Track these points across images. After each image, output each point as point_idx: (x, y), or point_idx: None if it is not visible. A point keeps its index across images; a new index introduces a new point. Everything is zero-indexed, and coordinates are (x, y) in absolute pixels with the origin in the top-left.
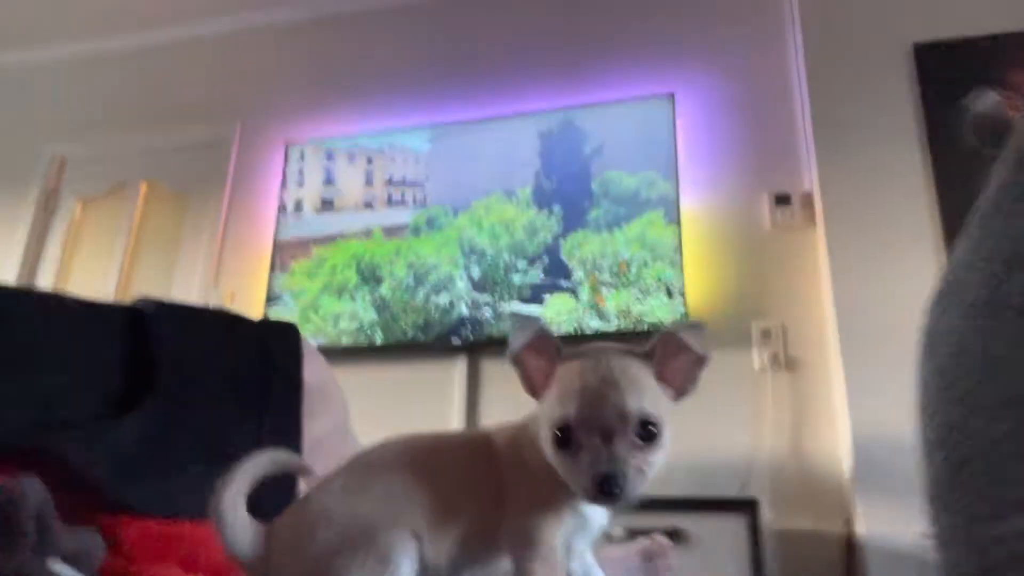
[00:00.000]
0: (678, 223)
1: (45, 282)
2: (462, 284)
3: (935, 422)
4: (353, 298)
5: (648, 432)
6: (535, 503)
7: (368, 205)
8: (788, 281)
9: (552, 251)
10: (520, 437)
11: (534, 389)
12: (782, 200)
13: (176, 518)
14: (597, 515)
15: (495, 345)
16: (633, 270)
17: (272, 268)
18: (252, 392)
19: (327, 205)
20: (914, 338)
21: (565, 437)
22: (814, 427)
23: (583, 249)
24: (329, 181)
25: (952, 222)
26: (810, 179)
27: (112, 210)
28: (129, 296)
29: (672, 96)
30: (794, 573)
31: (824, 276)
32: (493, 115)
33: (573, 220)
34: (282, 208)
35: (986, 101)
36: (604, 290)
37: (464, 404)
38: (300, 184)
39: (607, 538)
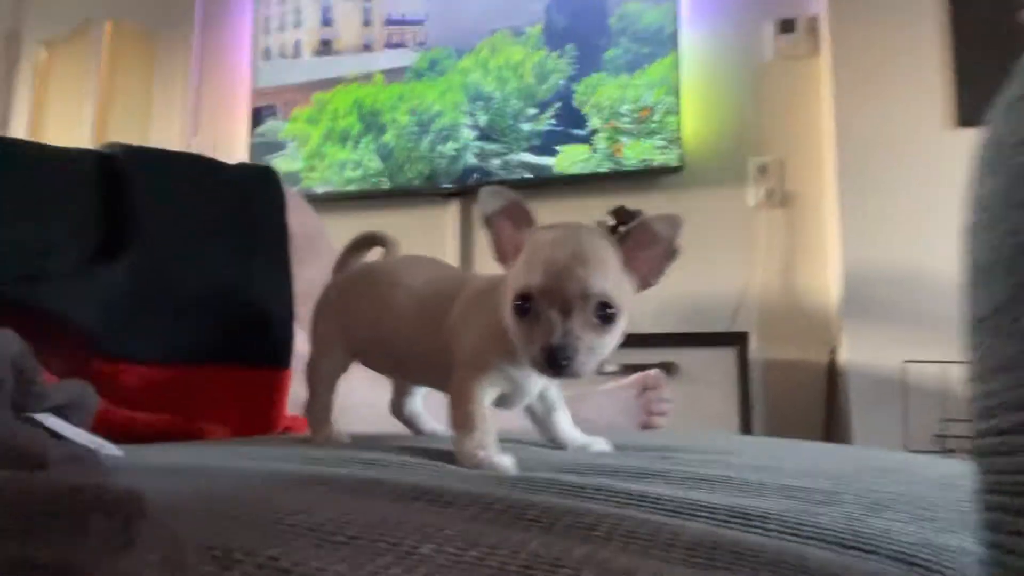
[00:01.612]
0: (676, 54)
1: (17, 134)
2: (468, 132)
3: (1004, 243)
4: (357, 145)
5: (606, 314)
6: (474, 359)
7: (367, 47)
8: (789, 114)
9: (565, 96)
10: (489, 293)
11: (503, 255)
12: (786, 27)
13: (174, 363)
14: (531, 383)
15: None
16: (657, 117)
17: (258, 116)
18: (236, 237)
19: (325, 47)
20: (917, 174)
21: (525, 305)
22: (806, 261)
23: (599, 94)
24: (327, 22)
25: (963, 45)
26: (816, 2)
27: (79, 54)
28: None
29: None
30: (779, 400)
31: (825, 108)
32: None
33: (588, 61)
34: (263, 51)
35: None
36: (624, 139)
37: (458, 249)
38: (297, 25)
39: (600, 373)
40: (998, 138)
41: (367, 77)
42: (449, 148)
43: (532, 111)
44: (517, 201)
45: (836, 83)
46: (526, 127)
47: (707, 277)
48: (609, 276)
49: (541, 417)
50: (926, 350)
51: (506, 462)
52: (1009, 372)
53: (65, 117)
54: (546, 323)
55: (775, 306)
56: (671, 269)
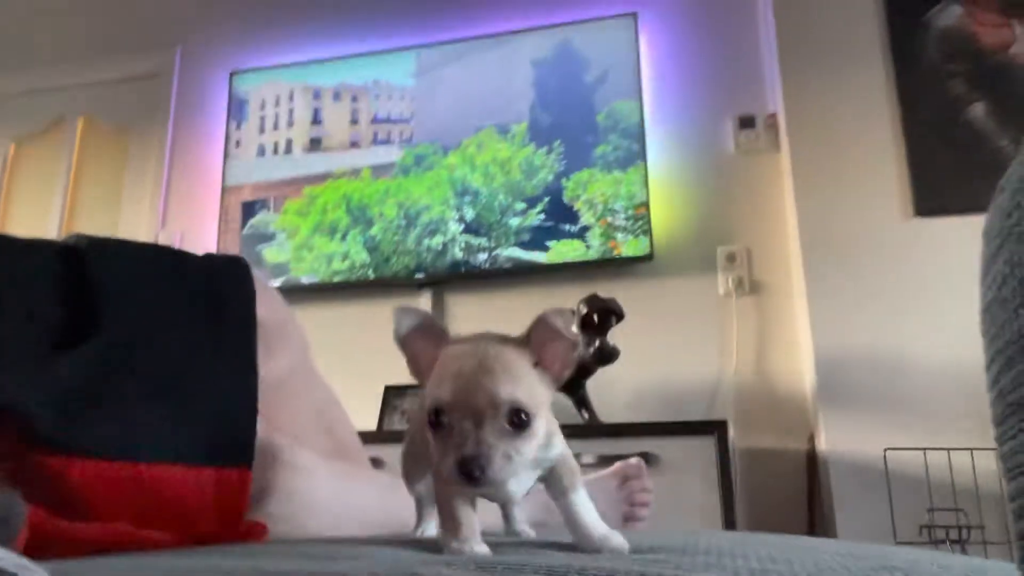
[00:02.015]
0: (643, 150)
1: None
2: (455, 226)
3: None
4: (344, 238)
5: (520, 420)
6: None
7: (355, 144)
8: (753, 205)
9: (554, 192)
10: None
11: (419, 372)
12: (746, 123)
13: (129, 459)
14: (506, 485)
15: (459, 279)
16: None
17: (250, 209)
18: (202, 329)
19: (315, 144)
20: (880, 261)
21: (439, 420)
22: (779, 348)
23: (591, 189)
24: (317, 121)
25: (916, 140)
26: (774, 100)
27: (49, 150)
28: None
29: (635, 15)
30: (761, 489)
31: (788, 199)
32: (475, 34)
33: (577, 158)
34: (235, 142)
35: (950, 16)
36: (619, 235)
37: None
38: (290, 124)
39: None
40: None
41: (355, 172)
42: (436, 242)
43: (520, 206)
44: (430, 319)
45: (796, 176)
46: (514, 222)
47: (682, 364)
48: (518, 382)
49: (558, 507)
50: (906, 437)
51: (483, 550)
52: None
53: (32, 212)
54: (459, 435)
55: (751, 394)
56: (646, 357)
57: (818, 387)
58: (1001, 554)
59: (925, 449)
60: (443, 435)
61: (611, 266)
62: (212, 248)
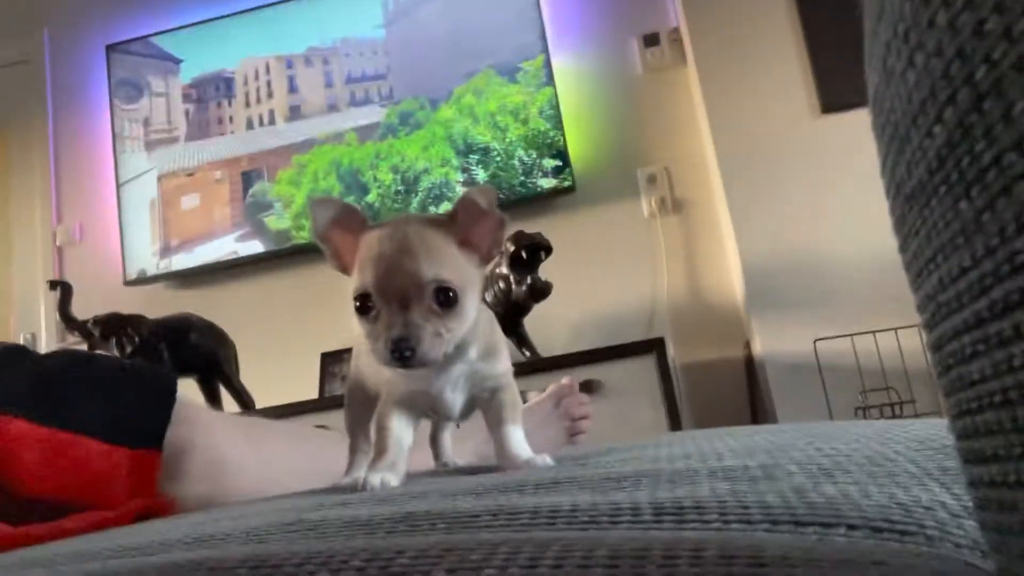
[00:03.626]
0: (552, 81)
1: None
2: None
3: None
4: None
5: (447, 299)
6: (386, 386)
7: (333, 108)
8: (667, 123)
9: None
10: None
11: (343, 265)
12: (651, 41)
13: (61, 428)
14: (444, 398)
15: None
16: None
17: (247, 179)
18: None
19: (295, 112)
20: (793, 162)
21: (364, 305)
22: (707, 263)
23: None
24: (293, 90)
25: (815, 38)
26: (675, 14)
27: None
28: None
29: None
30: (703, 400)
31: (700, 113)
32: None
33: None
34: (245, 121)
35: None
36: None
37: None
38: (270, 96)
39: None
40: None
41: (338, 137)
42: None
43: (551, 163)
44: (348, 207)
45: (705, 89)
46: (544, 183)
47: (616, 290)
48: (443, 261)
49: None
50: (834, 328)
51: (380, 481)
52: (949, 255)
53: None
54: (386, 319)
55: (686, 310)
56: (580, 288)
57: (747, 294)
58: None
59: (852, 335)
60: (371, 320)
61: (533, 201)
62: (115, 236)
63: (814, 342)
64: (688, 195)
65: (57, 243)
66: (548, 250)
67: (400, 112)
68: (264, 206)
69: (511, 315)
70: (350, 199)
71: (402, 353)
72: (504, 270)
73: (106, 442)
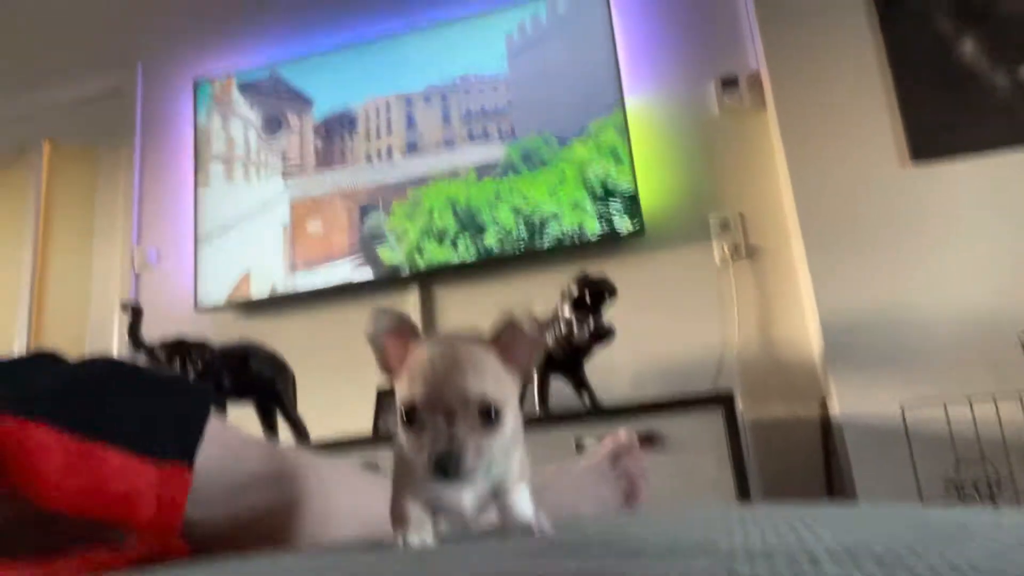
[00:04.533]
0: (624, 121)
1: None
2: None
3: None
4: (455, 246)
5: (489, 414)
6: (398, 476)
7: (449, 144)
8: (743, 168)
9: None
10: None
11: (390, 370)
12: (729, 83)
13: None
14: (452, 499)
15: (446, 272)
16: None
17: (364, 212)
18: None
19: (412, 148)
20: (879, 212)
21: (411, 417)
22: (781, 313)
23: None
24: (411, 125)
25: (906, 84)
26: (756, 57)
27: (15, 179)
28: (49, 272)
29: None
30: (774, 460)
31: (779, 159)
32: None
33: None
34: (211, 153)
35: None
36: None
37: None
38: (390, 132)
39: (579, 451)
40: None
41: (455, 173)
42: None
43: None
44: (405, 320)
45: (784, 134)
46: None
47: (683, 338)
48: (487, 378)
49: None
50: (923, 391)
51: (427, 541)
52: None
53: (5, 236)
54: (432, 431)
55: (757, 362)
56: (646, 334)
57: (825, 349)
58: None
59: (945, 401)
60: (416, 432)
61: (606, 244)
62: (190, 259)
63: (901, 407)
64: (762, 243)
65: (135, 268)
66: (612, 293)
67: (523, 148)
68: (379, 237)
69: (571, 358)
70: (465, 236)
71: (446, 467)
72: (566, 313)
73: (133, 453)
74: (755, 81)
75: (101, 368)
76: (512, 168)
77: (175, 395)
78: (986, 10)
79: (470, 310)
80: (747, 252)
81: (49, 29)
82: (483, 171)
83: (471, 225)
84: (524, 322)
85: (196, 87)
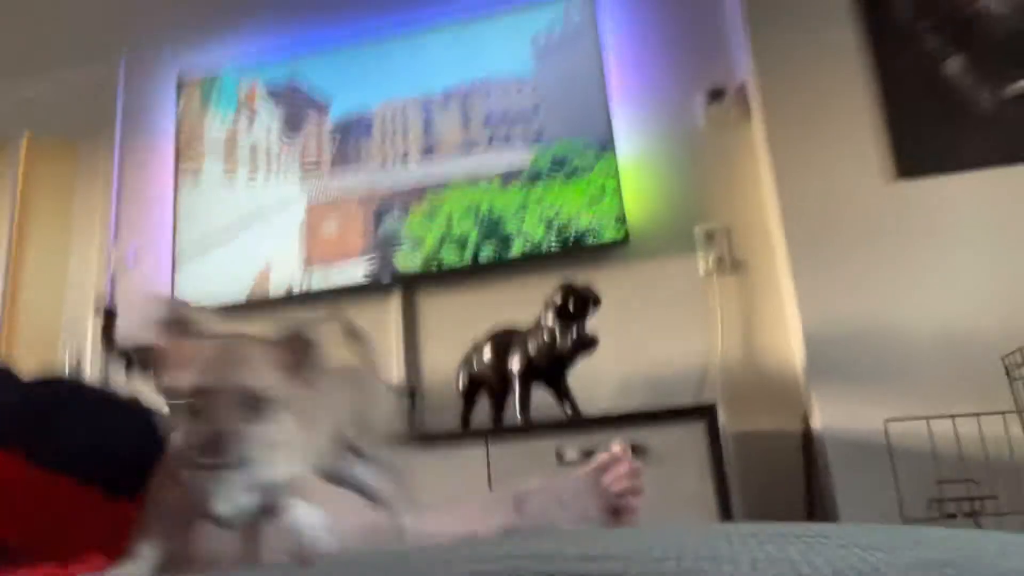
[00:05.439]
0: (609, 131)
1: None
2: None
3: None
4: (477, 257)
5: (257, 405)
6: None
7: (469, 148)
8: (729, 180)
9: None
10: None
11: (165, 364)
12: (716, 95)
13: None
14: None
15: (430, 278)
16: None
17: (379, 216)
18: None
19: (429, 151)
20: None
21: (178, 405)
22: (765, 326)
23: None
24: (428, 128)
25: (893, 100)
26: (744, 70)
27: None
28: (23, 268)
29: None
30: (755, 473)
31: (765, 172)
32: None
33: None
34: (185, 151)
35: None
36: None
37: (402, 343)
38: (405, 134)
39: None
40: None
41: (475, 180)
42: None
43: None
44: (185, 310)
45: (771, 147)
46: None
47: (666, 349)
48: (256, 371)
49: None
50: (905, 407)
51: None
52: None
53: None
54: (200, 421)
55: (740, 375)
56: (629, 344)
57: (808, 363)
58: (1019, 525)
59: (928, 418)
60: (181, 420)
61: (589, 252)
62: (167, 257)
63: (885, 422)
64: (747, 256)
65: (111, 266)
66: (596, 302)
67: (553, 156)
68: (394, 241)
69: (554, 367)
70: (487, 247)
71: (208, 454)
72: (550, 322)
73: (81, 484)
74: (742, 94)
75: (56, 391)
76: (538, 175)
77: (127, 421)
78: (973, 30)
79: (457, 317)
80: (732, 264)
81: (31, 20)
82: (506, 177)
83: (495, 235)
84: (309, 332)
85: (179, 83)
